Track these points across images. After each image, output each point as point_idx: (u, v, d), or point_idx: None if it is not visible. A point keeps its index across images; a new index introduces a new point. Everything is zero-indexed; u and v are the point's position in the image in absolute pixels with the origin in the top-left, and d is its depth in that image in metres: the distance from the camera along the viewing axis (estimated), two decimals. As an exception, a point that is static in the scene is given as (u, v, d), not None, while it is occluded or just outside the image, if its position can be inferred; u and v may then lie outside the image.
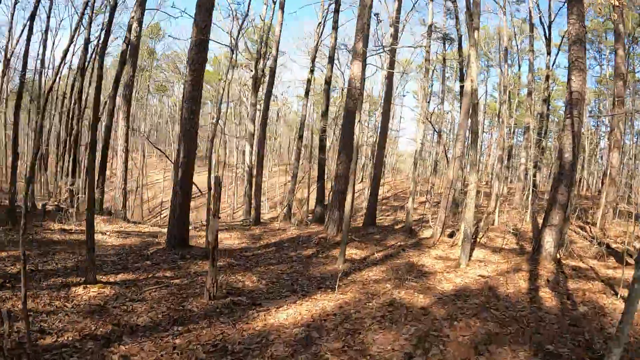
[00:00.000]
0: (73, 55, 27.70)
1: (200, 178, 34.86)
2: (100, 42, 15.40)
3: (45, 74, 22.27)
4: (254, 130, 18.72)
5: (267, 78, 17.15)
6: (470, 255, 8.97)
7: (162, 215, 31.60)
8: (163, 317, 5.57)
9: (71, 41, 18.26)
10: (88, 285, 6.79)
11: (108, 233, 12.30)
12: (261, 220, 18.11)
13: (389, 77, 14.94)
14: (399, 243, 11.84)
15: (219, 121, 33.52)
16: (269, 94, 16.77)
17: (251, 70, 19.96)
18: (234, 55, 8.72)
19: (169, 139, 43.52)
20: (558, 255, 9.10)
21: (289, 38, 63.77)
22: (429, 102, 15.27)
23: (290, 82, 65.24)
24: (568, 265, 8.82)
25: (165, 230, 14.18)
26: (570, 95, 9.06)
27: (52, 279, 7.31)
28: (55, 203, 16.12)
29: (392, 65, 13.64)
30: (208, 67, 38.31)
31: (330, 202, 13.15)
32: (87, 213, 6.75)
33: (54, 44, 35.40)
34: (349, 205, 9.13)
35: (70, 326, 5.29)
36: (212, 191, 6.30)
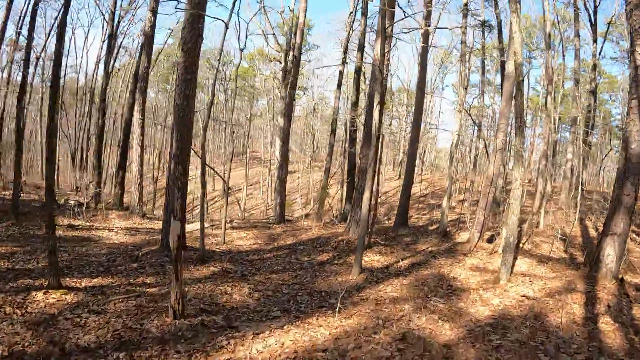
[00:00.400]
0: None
1: (234, 173, 34.10)
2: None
3: (81, 72, 21.93)
4: (284, 124, 17.46)
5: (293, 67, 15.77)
6: (513, 267, 7.22)
7: (193, 213, 30.91)
8: (112, 337, 4.32)
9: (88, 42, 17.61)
10: (50, 291, 5.67)
11: (116, 230, 11.35)
12: (289, 218, 16.75)
13: (422, 63, 13.19)
14: (430, 248, 10.19)
15: (249, 116, 32.37)
16: (294, 83, 15.41)
17: (281, 63, 18.81)
18: (228, 30, 7.54)
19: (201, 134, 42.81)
20: (620, 273, 7.18)
21: (322, 31, 61.62)
22: (466, 88, 13.45)
23: (325, 77, 62.95)
24: (630, 283, 6.90)
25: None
26: (635, 71, 7.05)
27: (21, 280, 6.28)
28: (76, 198, 15.50)
29: (425, 41, 11.95)
30: (243, 63, 37.44)
31: (353, 200, 11.62)
32: (47, 209, 5.59)
33: (86, 41, 35.43)
34: (367, 203, 7.62)
35: (7, 339, 4.24)
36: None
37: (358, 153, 11.76)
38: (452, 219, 14.27)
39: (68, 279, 6.44)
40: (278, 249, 10.06)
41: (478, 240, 10.16)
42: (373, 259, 9.04)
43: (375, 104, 7.34)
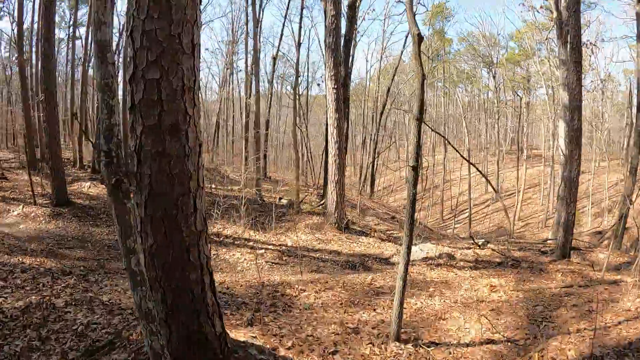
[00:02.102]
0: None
1: (509, 174, 26.11)
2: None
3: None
4: (569, 101, 9.88)
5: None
6: None
7: (457, 218, 24.78)
8: None
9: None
10: None
11: (264, 250, 7.10)
12: (577, 246, 8.55)
13: None
14: None
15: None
16: (576, 30, 7.47)
17: (552, 12, 11.40)
18: None
19: (477, 129, 36.08)
20: None
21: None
22: None
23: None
24: None
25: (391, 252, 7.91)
26: None
27: None
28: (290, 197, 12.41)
29: None
30: (511, 44, 28.80)
31: None
32: None
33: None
34: None
35: None
36: None
37: None
38: None
39: None
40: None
41: None
42: None
43: None
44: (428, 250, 7.64)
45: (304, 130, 19.96)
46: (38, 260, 5.04)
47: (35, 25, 14.21)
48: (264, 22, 72.52)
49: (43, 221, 7.51)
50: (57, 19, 23.79)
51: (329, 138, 9.72)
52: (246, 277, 5.44)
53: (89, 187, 10.05)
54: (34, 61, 14.91)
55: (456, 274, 6.16)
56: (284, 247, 7.50)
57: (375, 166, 22.50)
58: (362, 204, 13.77)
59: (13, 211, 7.98)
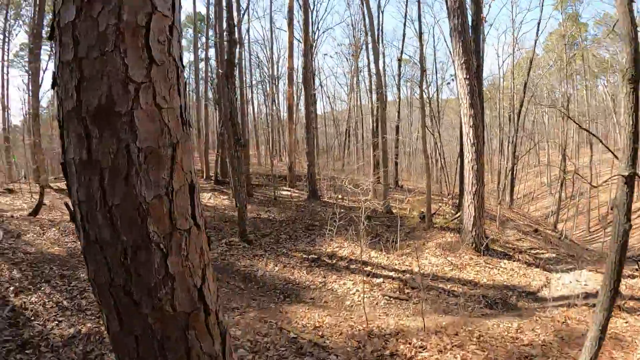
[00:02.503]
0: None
1: None
2: None
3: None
4: None
5: None
6: None
7: (606, 230, 19.61)
8: None
9: None
10: None
11: (392, 276, 5.76)
12: None
13: None
14: None
15: None
16: None
17: None
18: None
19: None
20: None
21: None
22: None
23: None
24: None
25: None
26: None
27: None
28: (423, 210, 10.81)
29: None
30: None
31: None
32: None
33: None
34: None
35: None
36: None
37: None
38: None
39: None
40: None
41: None
42: None
43: None
44: (586, 281, 5.71)
45: (436, 134, 17.96)
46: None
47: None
48: (386, 26, 71.44)
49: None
50: (184, 43, 26.75)
51: (464, 140, 7.94)
52: (352, 319, 4.21)
53: (209, 197, 10.15)
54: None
55: (626, 321, 4.11)
56: (407, 275, 6.06)
57: (514, 172, 19.24)
58: (501, 214, 11.39)
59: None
